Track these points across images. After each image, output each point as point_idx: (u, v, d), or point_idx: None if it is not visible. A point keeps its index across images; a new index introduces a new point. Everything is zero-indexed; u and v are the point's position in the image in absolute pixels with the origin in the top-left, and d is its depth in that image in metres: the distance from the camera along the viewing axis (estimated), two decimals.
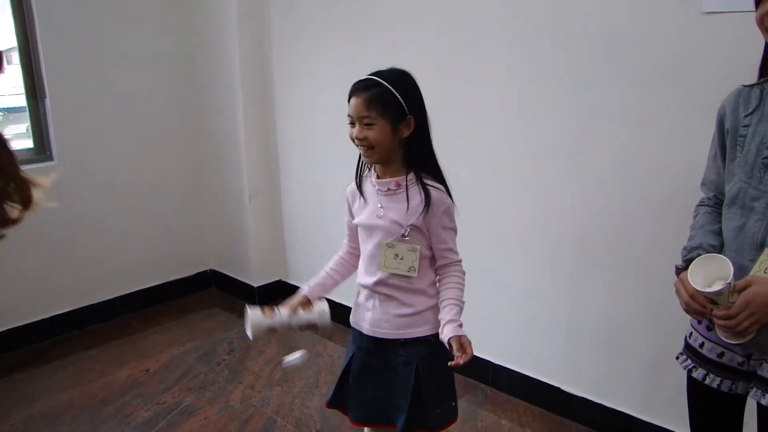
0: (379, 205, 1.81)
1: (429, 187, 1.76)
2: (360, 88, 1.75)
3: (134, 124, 3.86)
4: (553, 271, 2.74)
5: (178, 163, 4.11)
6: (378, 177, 1.82)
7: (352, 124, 1.77)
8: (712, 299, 1.39)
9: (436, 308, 1.84)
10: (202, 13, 3.87)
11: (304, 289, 1.96)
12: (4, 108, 4.30)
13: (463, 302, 1.80)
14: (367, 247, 1.86)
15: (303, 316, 1.86)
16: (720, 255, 1.40)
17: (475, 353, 3.00)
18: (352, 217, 1.92)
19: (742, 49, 1.92)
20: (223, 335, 3.70)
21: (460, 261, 1.85)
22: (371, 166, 1.85)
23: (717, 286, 1.36)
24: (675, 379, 2.44)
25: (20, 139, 3.75)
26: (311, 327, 1.87)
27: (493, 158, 2.82)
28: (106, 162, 3.76)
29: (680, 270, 1.57)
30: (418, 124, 1.76)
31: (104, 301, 3.88)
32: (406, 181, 1.78)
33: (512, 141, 2.74)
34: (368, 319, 1.88)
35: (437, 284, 1.86)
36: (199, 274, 4.33)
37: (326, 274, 2.00)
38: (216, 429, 2.81)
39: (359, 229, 1.89)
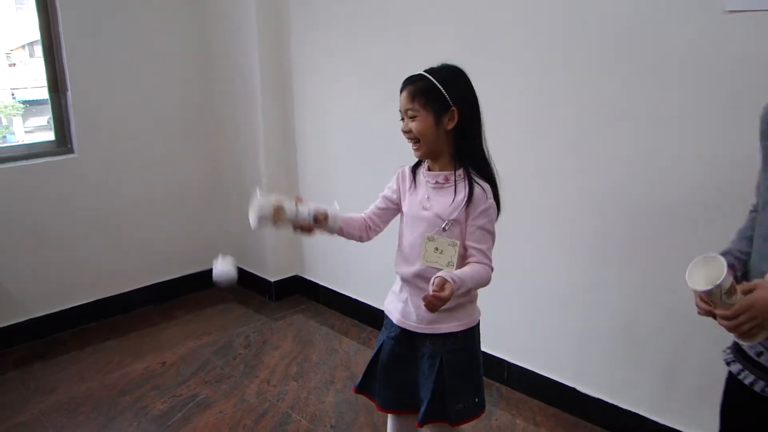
0: (427, 197, 1.84)
1: (475, 183, 1.79)
2: (407, 82, 1.80)
3: (154, 117, 3.89)
4: (568, 270, 2.73)
5: (198, 157, 4.14)
6: (429, 169, 1.86)
7: (403, 119, 1.82)
8: (712, 301, 1.40)
9: (463, 305, 1.85)
10: (222, 7, 3.89)
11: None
12: (26, 101, 4.35)
13: (473, 283, 1.75)
14: (408, 236, 1.88)
15: (312, 206, 1.85)
16: (719, 256, 1.39)
17: (490, 351, 3.05)
18: (397, 197, 1.94)
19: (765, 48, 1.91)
20: (240, 329, 3.72)
21: (491, 266, 1.82)
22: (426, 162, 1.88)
23: (708, 287, 1.36)
24: (691, 381, 2.44)
25: (41, 132, 3.79)
26: (318, 222, 1.85)
27: (506, 154, 2.79)
28: (126, 155, 3.80)
29: None
30: (465, 117, 1.78)
31: (123, 294, 3.92)
32: (455, 175, 1.80)
33: (527, 136, 2.73)
34: (399, 309, 1.91)
35: None
36: None
37: (346, 217, 1.99)
38: (231, 423, 2.83)
39: (403, 217, 1.91)
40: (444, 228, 1.79)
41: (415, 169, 1.92)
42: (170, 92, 3.95)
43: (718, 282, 1.34)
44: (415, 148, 1.82)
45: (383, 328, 2.01)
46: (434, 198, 1.82)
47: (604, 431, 2.71)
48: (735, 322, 1.37)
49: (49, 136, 3.65)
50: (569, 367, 2.82)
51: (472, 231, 1.79)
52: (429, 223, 1.81)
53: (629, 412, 2.63)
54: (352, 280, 3.73)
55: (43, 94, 3.60)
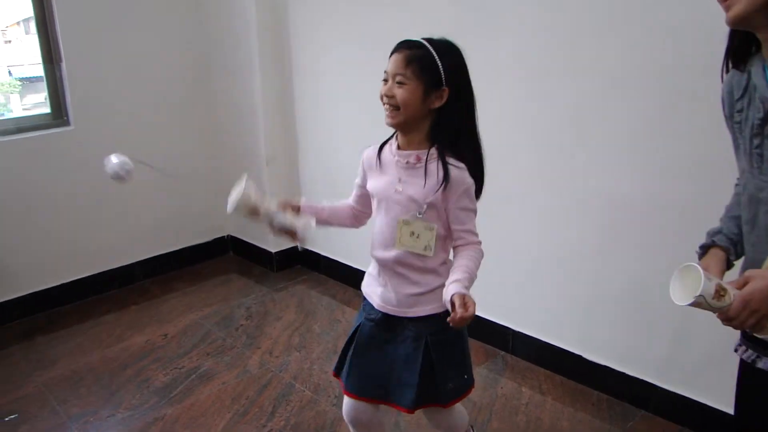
0: (398, 179, 1.74)
1: (449, 165, 1.69)
2: (404, 46, 1.69)
3: (151, 89, 3.83)
4: (574, 236, 2.69)
5: (196, 128, 4.08)
6: (399, 147, 1.76)
7: (385, 80, 1.70)
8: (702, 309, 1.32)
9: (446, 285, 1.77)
10: None
11: (302, 200, 1.92)
12: (23, 78, 4.29)
13: (475, 276, 1.71)
14: (382, 220, 1.80)
15: (288, 218, 1.80)
16: (693, 264, 1.32)
17: (495, 320, 3.02)
18: (364, 183, 1.87)
19: None
20: (241, 301, 3.70)
21: (480, 243, 1.77)
22: (394, 134, 1.79)
23: (690, 300, 1.30)
24: (699, 347, 2.41)
25: (39, 109, 3.75)
26: (289, 233, 1.81)
27: (517, 119, 2.76)
28: (123, 127, 3.73)
29: (701, 254, 1.50)
30: (454, 99, 1.69)
31: (123, 267, 3.89)
32: (427, 155, 1.70)
33: (537, 101, 2.68)
34: (379, 294, 1.84)
35: (449, 262, 1.79)
36: (216, 240, 4.32)
37: (322, 207, 1.96)
38: (234, 394, 2.81)
39: (375, 199, 1.84)
40: (419, 213, 1.71)
41: (381, 149, 1.82)
42: (166, 62, 3.88)
43: (697, 293, 1.27)
44: (391, 115, 1.70)
45: (361, 309, 1.94)
46: (406, 179, 1.73)
47: (612, 398, 2.69)
48: (738, 321, 1.30)
49: (46, 110, 3.58)
50: (575, 335, 2.79)
51: (455, 213, 1.72)
52: (402, 206, 1.73)
53: (636, 379, 2.61)
54: (353, 250, 3.69)
55: (40, 71, 3.53)
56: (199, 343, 3.23)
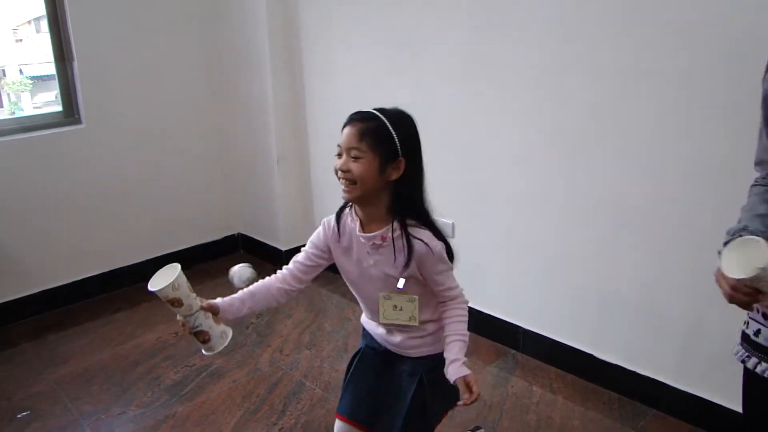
0: (370, 260, 1.72)
1: (413, 239, 1.66)
2: (356, 118, 1.66)
3: (163, 87, 3.84)
4: (585, 234, 2.67)
5: (207, 126, 4.09)
6: (362, 229, 1.71)
7: (339, 155, 1.66)
8: (756, 287, 1.22)
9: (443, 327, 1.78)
10: None
11: (218, 300, 1.77)
12: (34, 76, 4.31)
13: (467, 335, 1.73)
14: (363, 294, 1.81)
15: (208, 322, 1.68)
16: (755, 237, 1.24)
17: (506, 318, 3.01)
18: (327, 251, 1.83)
19: None
20: None
21: (460, 293, 1.76)
22: (352, 207, 1.75)
23: (752, 273, 1.19)
24: (711, 347, 2.40)
25: (50, 107, 3.76)
26: (202, 335, 1.68)
27: (524, 117, 2.75)
28: (134, 125, 3.75)
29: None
30: (410, 168, 1.64)
31: (134, 264, 3.90)
32: (392, 232, 1.66)
33: (545, 101, 2.67)
34: (379, 333, 1.87)
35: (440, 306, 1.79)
36: (227, 237, 4.33)
37: (242, 302, 1.83)
38: (245, 392, 2.81)
39: (346, 277, 1.82)
40: (398, 287, 1.70)
41: (338, 218, 1.77)
42: (178, 61, 3.89)
43: (762, 265, 1.17)
44: (347, 189, 1.64)
45: (363, 337, 1.96)
46: (376, 257, 1.71)
47: (623, 397, 2.68)
48: None
49: (57, 109, 3.60)
50: (586, 333, 2.78)
51: (433, 279, 1.71)
52: (382, 281, 1.72)
53: (648, 378, 2.60)
54: None
55: (51, 69, 3.54)
56: None
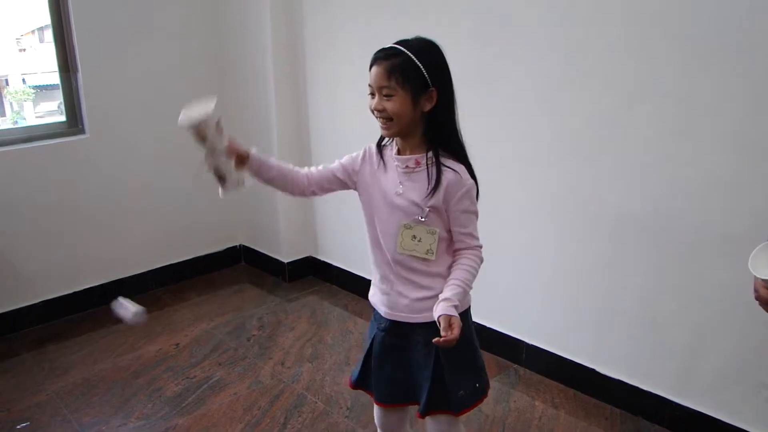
0: (399, 182, 1.73)
1: (446, 168, 1.68)
2: (381, 57, 1.66)
3: (166, 99, 3.83)
4: (587, 248, 2.67)
5: None
6: (398, 152, 1.75)
7: (372, 94, 1.70)
8: None
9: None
10: None
11: (252, 150, 1.84)
12: (37, 86, 4.33)
13: (470, 286, 1.72)
14: (381, 224, 1.77)
15: (228, 164, 1.78)
16: None
17: (508, 332, 3.00)
18: (356, 176, 1.83)
19: None
20: (253, 311, 3.70)
21: (480, 247, 1.76)
22: (391, 139, 1.78)
23: None
24: (714, 362, 2.39)
25: (52, 117, 3.77)
26: (221, 178, 1.78)
27: (527, 128, 2.75)
28: (137, 136, 3.76)
29: None
30: (442, 98, 1.67)
31: (135, 275, 3.90)
32: (426, 159, 1.69)
33: (548, 111, 2.67)
34: (385, 301, 1.83)
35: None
36: (228, 249, 4.33)
37: (270, 165, 1.87)
38: (246, 404, 2.80)
39: (372, 203, 1.80)
40: (421, 218, 1.70)
41: (380, 148, 1.81)
42: (182, 72, 3.89)
43: None
44: (385, 127, 1.69)
45: (372, 320, 1.93)
46: (407, 184, 1.72)
47: (625, 413, 2.67)
48: None
49: (60, 119, 3.61)
50: (588, 348, 2.77)
51: (456, 216, 1.71)
52: (405, 211, 1.71)
53: (650, 393, 2.59)
54: (366, 260, 3.66)
55: (54, 79, 3.55)
56: (211, 353, 3.23)
